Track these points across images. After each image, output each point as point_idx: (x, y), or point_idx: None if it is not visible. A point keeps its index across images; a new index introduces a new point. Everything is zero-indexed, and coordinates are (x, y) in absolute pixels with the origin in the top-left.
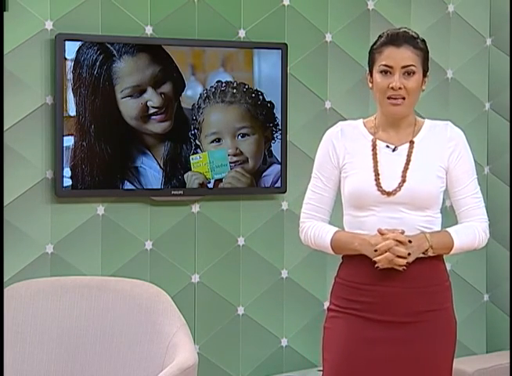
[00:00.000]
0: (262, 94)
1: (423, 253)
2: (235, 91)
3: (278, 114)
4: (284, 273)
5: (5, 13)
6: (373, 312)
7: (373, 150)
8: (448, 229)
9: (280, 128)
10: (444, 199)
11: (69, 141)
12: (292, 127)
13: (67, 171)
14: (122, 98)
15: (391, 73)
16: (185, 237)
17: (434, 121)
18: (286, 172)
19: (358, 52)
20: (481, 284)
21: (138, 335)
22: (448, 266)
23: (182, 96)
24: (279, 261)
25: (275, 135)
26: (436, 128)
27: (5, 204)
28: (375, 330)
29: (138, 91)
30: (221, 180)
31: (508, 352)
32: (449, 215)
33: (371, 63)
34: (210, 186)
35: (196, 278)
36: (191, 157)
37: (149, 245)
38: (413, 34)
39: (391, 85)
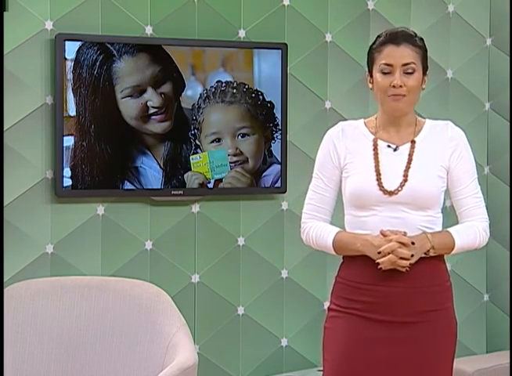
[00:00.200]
0: (262, 94)
1: (425, 253)
2: (235, 91)
3: (278, 114)
4: (284, 273)
5: (5, 13)
6: (374, 312)
7: (374, 149)
8: (449, 229)
9: (280, 128)
10: (444, 199)
11: (69, 141)
12: (292, 127)
13: (67, 171)
14: (122, 98)
15: (391, 72)
16: (185, 237)
17: (434, 121)
18: (286, 172)
19: (358, 52)
20: (481, 284)
21: (138, 335)
22: (448, 266)
23: (182, 96)
24: (279, 261)
25: (275, 135)
26: (437, 127)
27: (5, 204)
28: (376, 330)
29: (138, 91)
30: (221, 180)
31: (508, 352)
32: (450, 215)
33: (370, 63)
34: (210, 186)
35: (196, 278)
36: (191, 157)
37: (149, 245)
38: (411, 32)
39: (392, 84)
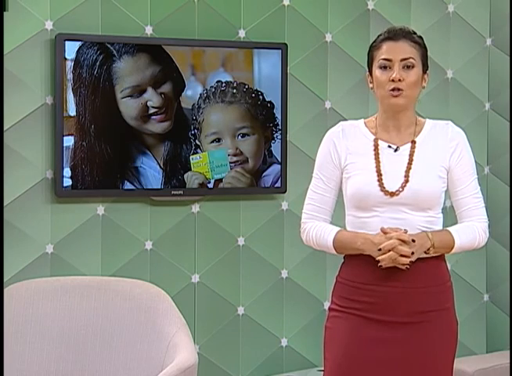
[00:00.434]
0: (262, 94)
1: (425, 252)
2: (235, 91)
3: (278, 114)
4: (284, 273)
5: (5, 13)
6: (375, 312)
7: (374, 150)
8: (448, 229)
9: (280, 128)
10: (444, 199)
11: (69, 141)
12: (292, 127)
13: (67, 171)
14: (122, 98)
15: (390, 67)
16: (185, 237)
17: (435, 121)
18: (286, 172)
19: (358, 52)
20: (481, 284)
21: (138, 335)
22: (448, 266)
23: (182, 96)
24: (279, 261)
25: (275, 135)
26: (437, 128)
27: (5, 204)
28: (376, 330)
29: (138, 91)
30: (221, 180)
31: (508, 352)
32: (450, 215)
33: (370, 61)
34: (210, 186)
35: (196, 278)
36: (191, 157)
37: (149, 245)
38: (410, 30)
39: (391, 78)
